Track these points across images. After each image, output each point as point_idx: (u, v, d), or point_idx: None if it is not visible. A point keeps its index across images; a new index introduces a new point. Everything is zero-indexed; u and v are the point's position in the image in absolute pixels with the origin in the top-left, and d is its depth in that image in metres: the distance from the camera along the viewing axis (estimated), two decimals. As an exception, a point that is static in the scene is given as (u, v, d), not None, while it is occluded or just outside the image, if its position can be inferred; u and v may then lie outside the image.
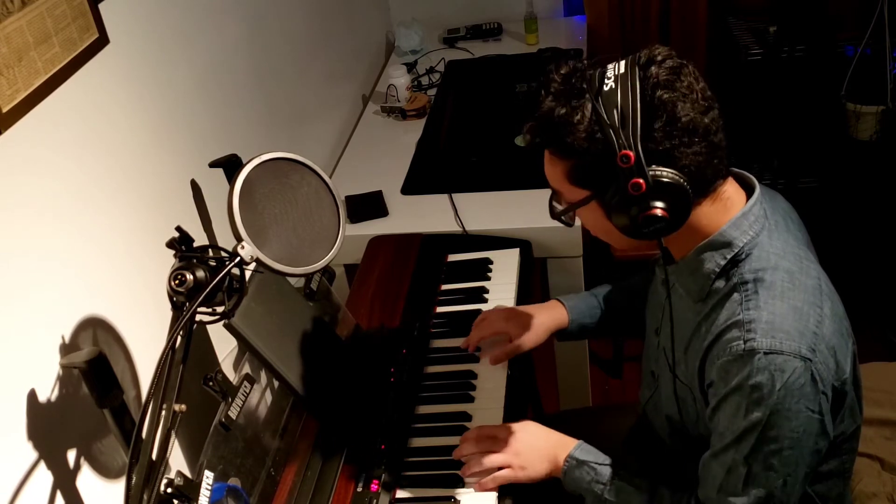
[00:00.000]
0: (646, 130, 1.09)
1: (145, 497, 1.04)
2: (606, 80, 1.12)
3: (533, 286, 2.04)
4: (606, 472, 1.33)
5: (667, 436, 1.41)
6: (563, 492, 1.39)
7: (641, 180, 1.09)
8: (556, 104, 1.13)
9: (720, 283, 1.19)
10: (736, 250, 1.17)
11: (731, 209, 1.19)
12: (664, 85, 1.10)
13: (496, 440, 1.42)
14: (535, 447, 1.41)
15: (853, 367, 1.21)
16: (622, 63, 1.13)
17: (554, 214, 1.26)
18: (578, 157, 1.13)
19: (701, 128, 1.11)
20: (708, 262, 1.19)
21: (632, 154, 1.08)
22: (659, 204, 1.10)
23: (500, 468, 1.39)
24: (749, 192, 1.22)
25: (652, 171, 1.09)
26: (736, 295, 1.16)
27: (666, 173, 1.10)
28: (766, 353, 1.10)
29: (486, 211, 2.14)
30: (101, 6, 1.34)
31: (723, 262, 1.18)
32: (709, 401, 1.20)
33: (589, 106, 1.11)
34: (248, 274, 1.23)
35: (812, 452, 1.15)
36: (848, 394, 1.20)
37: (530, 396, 2.39)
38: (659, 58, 1.12)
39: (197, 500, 1.11)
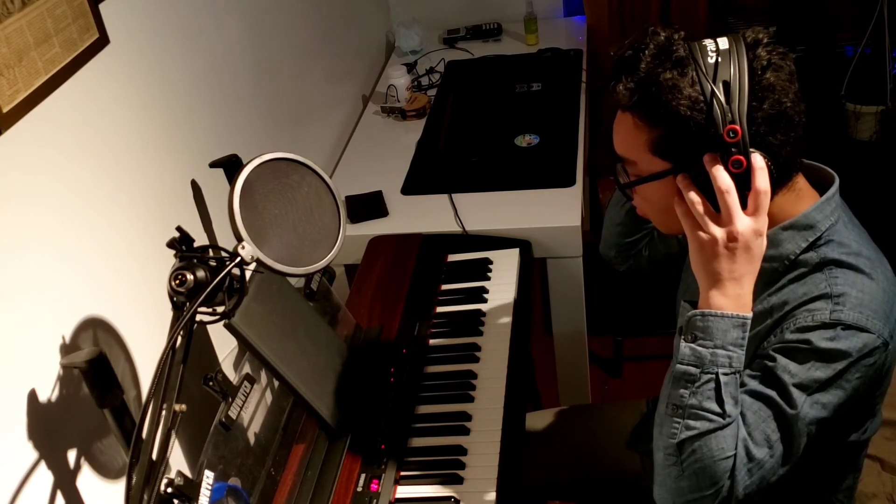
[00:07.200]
0: (751, 110, 1.05)
1: (145, 497, 1.04)
2: (710, 52, 1.07)
3: (533, 286, 2.04)
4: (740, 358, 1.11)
5: None
6: (570, 493, 1.35)
7: (744, 158, 1.05)
8: (659, 66, 1.07)
9: (799, 264, 1.16)
10: (818, 234, 1.15)
11: (802, 199, 1.17)
12: (775, 68, 1.06)
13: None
14: (744, 258, 1.10)
15: None
16: (723, 40, 1.08)
17: (620, 185, 1.21)
18: (672, 125, 1.08)
19: (796, 118, 1.08)
20: (788, 242, 1.16)
21: (739, 129, 1.04)
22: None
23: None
24: (818, 186, 1.19)
25: (751, 151, 1.05)
26: (819, 274, 1.13)
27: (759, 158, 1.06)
28: (849, 326, 1.09)
29: (486, 211, 2.14)
30: (101, 6, 1.34)
31: (804, 245, 1.16)
32: (766, 341, 1.15)
33: (693, 73, 1.06)
34: (248, 274, 1.23)
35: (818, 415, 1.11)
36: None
37: (530, 396, 2.40)
38: (765, 40, 1.09)
39: (197, 500, 1.11)
